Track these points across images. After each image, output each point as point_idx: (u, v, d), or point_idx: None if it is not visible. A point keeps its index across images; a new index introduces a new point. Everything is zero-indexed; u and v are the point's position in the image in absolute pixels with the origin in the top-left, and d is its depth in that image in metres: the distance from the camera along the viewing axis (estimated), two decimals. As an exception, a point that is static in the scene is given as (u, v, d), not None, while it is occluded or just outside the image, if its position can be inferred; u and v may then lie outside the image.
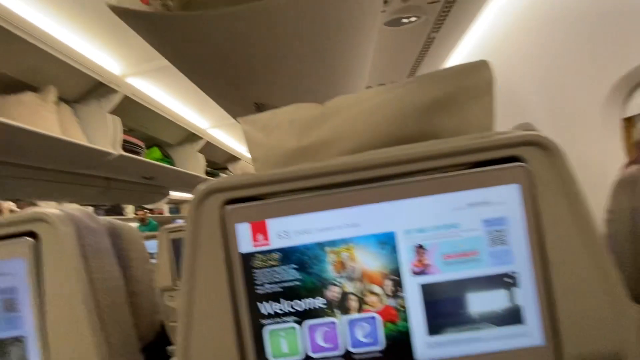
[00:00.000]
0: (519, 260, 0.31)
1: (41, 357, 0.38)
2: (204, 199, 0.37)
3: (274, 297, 0.36)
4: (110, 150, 1.67)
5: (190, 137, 2.50)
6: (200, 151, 2.56)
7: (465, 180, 0.32)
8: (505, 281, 0.32)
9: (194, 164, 2.53)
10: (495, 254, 0.32)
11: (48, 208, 0.40)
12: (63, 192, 2.26)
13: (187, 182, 2.68)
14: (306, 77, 1.42)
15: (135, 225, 4.35)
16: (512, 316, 0.31)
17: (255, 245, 0.36)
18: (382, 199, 0.34)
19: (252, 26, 0.98)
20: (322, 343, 0.36)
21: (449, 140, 0.35)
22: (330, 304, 0.35)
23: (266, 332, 0.36)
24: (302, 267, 0.36)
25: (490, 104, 0.42)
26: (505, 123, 1.89)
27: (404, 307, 0.34)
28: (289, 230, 0.36)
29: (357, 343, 0.35)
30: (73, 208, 0.42)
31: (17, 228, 0.40)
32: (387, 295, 0.34)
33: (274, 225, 0.36)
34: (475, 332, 0.32)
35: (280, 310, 0.36)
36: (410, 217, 0.34)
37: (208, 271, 0.36)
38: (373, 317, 0.35)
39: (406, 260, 0.34)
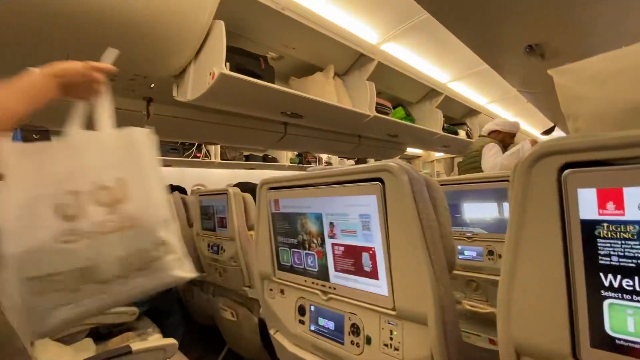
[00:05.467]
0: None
1: (385, 262, 0.56)
2: (537, 161, 0.38)
3: (624, 272, 0.33)
4: (367, 112, 1.97)
5: (430, 93, 2.54)
6: (438, 106, 2.56)
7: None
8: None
9: (432, 120, 2.57)
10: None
11: (390, 161, 0.54)
12: (330, 147, 2.94)
13: (423, 138, 2.77)
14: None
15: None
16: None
17: (602, 214, 0.34)
18: None
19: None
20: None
21: None
22: None
23: (606, 304, 0.34)
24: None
25: None
26: None
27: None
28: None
29: None
30: (401, 162, 0.54)
31: (370, 175, 0.57)
32: None
33: (633, 194, 0.32)
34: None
35: (629, 286, 0.33)
36: None
37: (537, 237, 0.38)
38: None
39: None
